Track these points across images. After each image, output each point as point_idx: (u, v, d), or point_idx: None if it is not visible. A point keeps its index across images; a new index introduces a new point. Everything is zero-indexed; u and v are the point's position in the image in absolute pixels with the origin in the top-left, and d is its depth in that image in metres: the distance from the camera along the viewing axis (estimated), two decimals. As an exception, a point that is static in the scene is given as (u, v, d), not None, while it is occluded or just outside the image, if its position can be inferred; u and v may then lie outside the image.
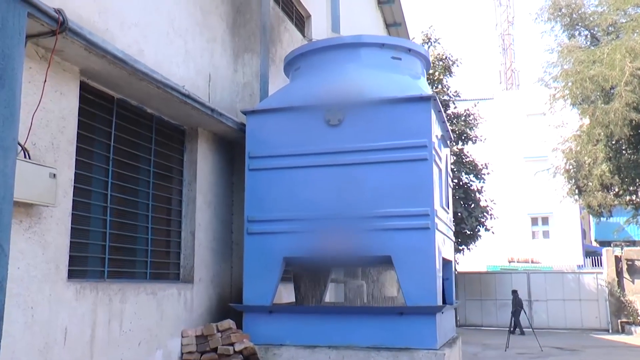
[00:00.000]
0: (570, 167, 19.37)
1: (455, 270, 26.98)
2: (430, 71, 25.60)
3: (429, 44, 26.60)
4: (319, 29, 12.01)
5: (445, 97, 25.70)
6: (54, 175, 4.51)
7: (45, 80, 4.49)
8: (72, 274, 5.12)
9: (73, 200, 5.18)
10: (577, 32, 19.67)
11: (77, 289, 4.94)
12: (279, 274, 6.83)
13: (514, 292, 23.34)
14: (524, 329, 18.42)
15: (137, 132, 6.30)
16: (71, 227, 5.11)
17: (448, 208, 7.69)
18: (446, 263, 7.97)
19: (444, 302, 7.94)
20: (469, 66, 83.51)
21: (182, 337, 6.48)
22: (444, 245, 7.13)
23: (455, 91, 26.35)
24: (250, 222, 7.01)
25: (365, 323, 6.49)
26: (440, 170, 7.12)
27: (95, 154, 5.64)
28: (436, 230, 6.47)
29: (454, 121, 25.14)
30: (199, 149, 7.16)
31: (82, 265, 5.38)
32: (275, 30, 9.66)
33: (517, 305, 22.79)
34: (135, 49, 5.90)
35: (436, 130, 6.98)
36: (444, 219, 7.16)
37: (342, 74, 7.26)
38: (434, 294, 6.31)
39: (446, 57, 25.65)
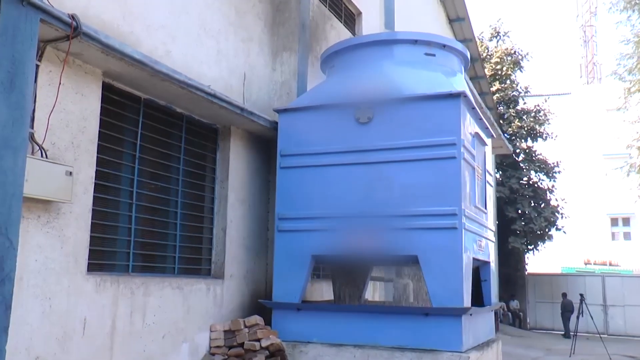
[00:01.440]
0: (646, 164, 18.33)
1: (525, 271, 26.19)
2: (498, 67, 24.94)
3: (498, 37, 25.92)
4: (372, 27, 11.91)
5: (515, 93, 24.95)
6: (70, 173, 4.72)
7: (60, 83, 4.70)
8: (96, 268, 5.36)
9: (99, 197, 5.44)
10: (656, 21, 18.56)
11: (97, 282, 5.15)
12: (308, 272, 6.86)
13: (564, 295, 22.50)
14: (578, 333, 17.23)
15: (166, 131, 6.50)
16: (96, 223, 5.36)
17: (485, 208, 7.46)
18: (483, 264, 7.75)
19: (481, 303, 7.75)
20: (546, 60, 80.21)
21: (211, 331, 6.63)
22: (476, 245, 6.92)
23: (526, 87, 25.52)
24: (280, 220, 7.08)
25: (390, 323, 6.41)
26: (473, 168, 6.91)
27: (121, 153, 5.85)
28: (464, 230, 6.30)
29: (524, 117, 24.37)
30: (232, 147, 7.29)
31: (106, 259, 5.61)
32: (320, 28, 9.68)
33: (565, 309, 22.00)
34: (162, 51, 6.09)
35: (468, 128, 6.79)
36: (477, 219, 6.96)
37: (374, 71, 7.20)
38: (460, 296, 6.15)
39: (515, 52, 24.86)
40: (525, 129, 24.07)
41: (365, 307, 7.01)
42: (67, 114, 4.95)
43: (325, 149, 6.95)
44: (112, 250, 5.73)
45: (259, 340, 6.53)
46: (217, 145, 7.31)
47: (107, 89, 5.55)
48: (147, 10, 5.91)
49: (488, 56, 25.53)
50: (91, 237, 5.24)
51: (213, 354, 6.52)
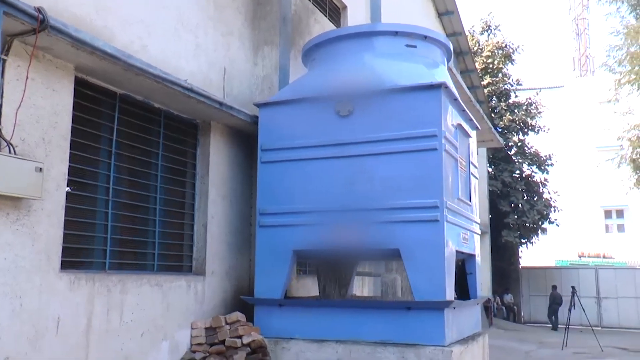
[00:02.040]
0: (637, 156, 18.27)
1: (519, 264, 26.20)
2: (489, 60, 24.89)
3: (489, 31, 25.88)
4: (358, 21, 11.82)
5: (506, 87, 24.91)
6: (40, 169, 4.64)
7: (27, 78, 4.61)
8: (71, 265, 5.28)
9: (74, 193, 5.37)
10: (646, 12, 18.52)
11: (71, 280, 5.08)
12: (290, 267, 6.79)
13: (553, 287, 22.75)
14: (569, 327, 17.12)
15: (144, 126, 6.41)
16: (71, 220, 5.29)
17: (469, 200, 7.40)
18: (469, 257, 7.69)
19: (468, 297, 7.70)
20: (539, 53, 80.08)
21: (192, 328, 6.56)
22: (460, 238, 6.86)
23: (517, 79, 25.49)
24: (261, 215, 7.01)
25: (372, 318, 6.35)
26: (456, 160, 6.85)
27: (97, 149, 5.78)
28: (446, 223, 6.23)
29: (515, 111, 24.34)
30: (212, 142, 7.21)
31: (82, 257, 5.54)
32: (304, 22, 9.59)
33: (554, 301, 22.26)
34: (138, 45, 6.00)
35: (450, 119, 6.73)
36: (461, 211, 6.89)
37: (354, 63, 7.12)
38: (442, 289, 6.09)
39: (506, 45, 24.82)
40: (517, 122, 24.04)
41: (347, 302, 6.95)
42: (38, 110, 4.87)
43: (306, 142, 6.88)
44: (88, 247, 5.65)
45: (240, 337, 6.46)
46: (198, 140, 7.23)
47: (80, 84, 5.47)
48: (122, 5, 5.82)
49: (479, 50, 25.48)
50: (66, 234, 5.17)
51: (194, 352, 6.45)
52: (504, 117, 24.17)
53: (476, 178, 8.01)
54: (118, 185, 6.00)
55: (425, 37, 7.27)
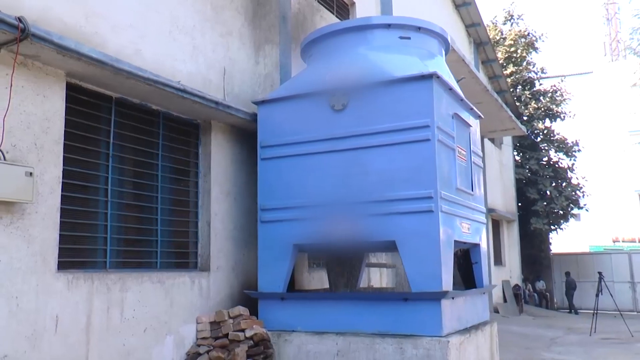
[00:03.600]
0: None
1: (550, 251, 25.82)
2: (512, 49, 24.54)
3: (511, 21, 25.51)
4: (368, 15, 11.81)
5: (531, 75, 24.55)
6: (31, 173, 4.82)
7: (11, 85, 4.79)
8: (71, 265, 5.48)
9: (73, 196, 5.56)
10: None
11: (69, 280, 5.26)
12: (290, 261, 6.88)
13: (567, 274, 22.83)
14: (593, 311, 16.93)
15: (142, 128, 6.57)
16: (70, 221, 5.48)
17: (472, 190, 7.36)
18: (473, 247, 7.66)
19: (474, 285, 7.68)
20: (567, 40, 78.00)
21: (197, 323, 6.71)
22: (460, 228, 6.84)
23: (541, 67, 25.08)
24: (262, 211, 7.11)
25: (371, 309, 6.40)
26: (453, 150, 6.83)
27: (94, 152, 5.95)
28: (441, 213, 6.23)
29: (540, 98, 23.97)
30: (213, 141, 7.34)
31: (82, 257, 5.72)
32: (309, 20, 9.66)
33: (569, 286, 22.33)
34: (131, 50, 6.15)
35: (445, 109, 6.71)
36: (460, 201, 6.86)
37: (349, 57, 7.15)
38: (438, 279, 6.09)
39: (528, 33, 24.44)
40: (542, 109, 23.66)
41: (346, 295, 7.00)
42: (28, 116, 5.05)
43: (303, 138, 6.95)
44: (90, 247, 5.84)
45: (243, 330, 6.59)
46: (199, 139, 7.37)
47: (73, 89, 5.64)
48: (112, 11, 5.97)
49: (502, 39, 25.15)
50: (65, 235, 5.37)
51: (199, 345, 6.60)
52: (528, 105, 23.81)
53: (480, 167, 7.96)
54: (117, 186, 6.17)
55: (419, 28, 7.25)
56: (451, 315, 6.33)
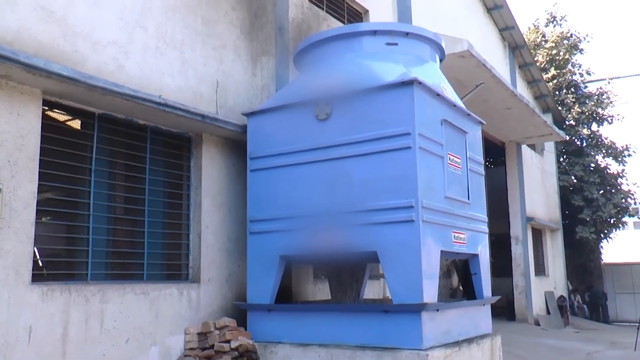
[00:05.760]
0: None
1: (601, 261, 24.76)
2: (554, 51, 23.80)
3: (554, 22, 24.77)
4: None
5: (575, 77, 23.74)
6: (0, 189, 5.00)
7: (-22, 106, 4.99)
8: (53, 278, 5.64)
9: (53, 210, 5.73)
10: None
11: (43, 291, 5.40)
12: (277, 272, 6.86)
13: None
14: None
15: (128, 143, 6.72)
16: (49, 235, 5.66)
17: (467, 198, 7.15)
18: (472, 257, 7.43)
19: (473, 297, 7.46)
20: (617, 40, 74.49)
21: (185, 334, 6.77)
22: (450, 238, 6.65)
23: (587, 70, 24.21)
24: (251, 222, 7.14)
25: (353, 321, 6.30)
26: (441, 158, 6.66)
27: (77, 167, 6.12)
28: (423, 223, 6.08)
29: (586, 102, 23.14)
30: (204, 154, 7.42)
31: (64, 270, 5.88)
32: (314, 30, 9.65)
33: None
34: (113, 66, 6.30)
35: (431, 115, 6.56)
36: (449, 210, 6.67)
37: (335, 66, 7.12)
38: (419, 291, 5.93)
39: (572, 35, 23.65)
40: (587, 113, 22.80)
41: (328, 307, 6.91)
42: (1, 134, 5.24)
43: (289, 148, 6.94)
44: (71, 260, 6.00)
45: (228, 341, 6.61)
46: (191, 152, 7.47)
47: (51, 106, 5.83)
48: (92, 28, 6.12)
49: (544, 42, 24.44)
50: (46, 248, 5.53)
51: (186, 356, 6.66)
52: (572, 110, 23.00)
53: (480, 175, 7.73)
54: (101, 200, 6.32)
55: (407, 34, 7.14)
56: (435, 327, 6.14)
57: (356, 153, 6.49)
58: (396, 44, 7.04)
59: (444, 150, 6.75)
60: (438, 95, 6.75)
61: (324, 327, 6.43)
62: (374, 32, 7.08)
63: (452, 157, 6.94)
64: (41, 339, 5.34)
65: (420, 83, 6.34)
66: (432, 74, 7.11)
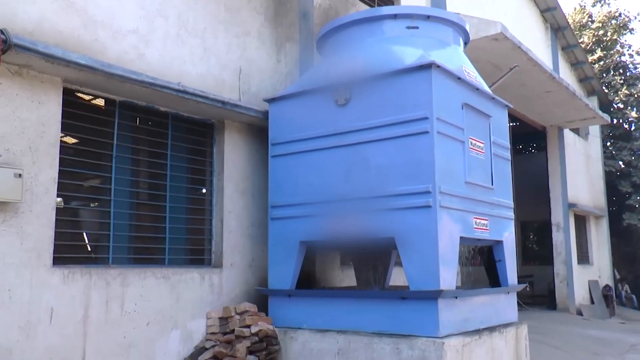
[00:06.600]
0: None
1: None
2: (600, 32, 22.98)
3: (601, 2, 23.90)
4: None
5: (623, 58, 22.88)
6: (20, 175, 5.17)
7: (-3, 94, 5.16)
8: (73, 261, 5.81)
9: (75, 195, 5.89)
10: None
11: (65, 274, 5.57)
12: (297, 258, 6.88)
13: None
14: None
15: (149, 129, 6.83)
16: (71, 220, 5.82)
17: (491, 184, 7.01)
18: (496, 244, 7.29)
19: (498, 284, 7.34)
20: None
21: (207, 318, 6.88)
22: (471, 224, 6.53)
23: (637, 50, 23.29)
24: (272, 208, 7.17)
25: (371, 308, 6.27)
26: (462, 142, 6.54)
27: (98, 153, 6.27)
28: (441, 209, 5.99)
29: (635, 83, 22.29)
30: (227, 140, 7.48)
31: (86, 253, 6.05)
32: (342, 15, 9.56)
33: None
34: (134, 55, 6.40)
35: (450, 99, 6.43)
36: (469, 196, 6.54)
37: (355, 51, 7.04)
38: (436, 278, 5.86)
39: (620, 14, 22.76)
40: (636, 95, 21.95)
41: (347, 293, 6.88)
42: (22, 122, 5.40)
43: (309, 134, 6.93)
44: (93, 244, 6.16)
45: (249, 326, 6.68)
46: (214, 139, 7.54)
47: (72, 94, 5.97)
48: (112, 18, 6.23)
49: (591, 22, 23.62)
50: (68, 233, 5.69)
51: (207, 340, 6.76)
52: (619, 92, 22.19)
53: (506, 160, 7.55)
54: (123, 186, 6.46)
55: (428, 17, 7.00)
56: (453, 315, 6.07)
57: (374, 138, 6.43)
58: (417, 28, 6.92)
59: (464, 134, 6.61)
60: (459, 78, 6.61)
61: (342, 314, 6.43)
62: (395, 16, 6.97)
63: (474, 142, 6.80)
64: (62, 320, 5.51)
65: (438, 66, 6.22)
66: (453, 57, 6.97)
